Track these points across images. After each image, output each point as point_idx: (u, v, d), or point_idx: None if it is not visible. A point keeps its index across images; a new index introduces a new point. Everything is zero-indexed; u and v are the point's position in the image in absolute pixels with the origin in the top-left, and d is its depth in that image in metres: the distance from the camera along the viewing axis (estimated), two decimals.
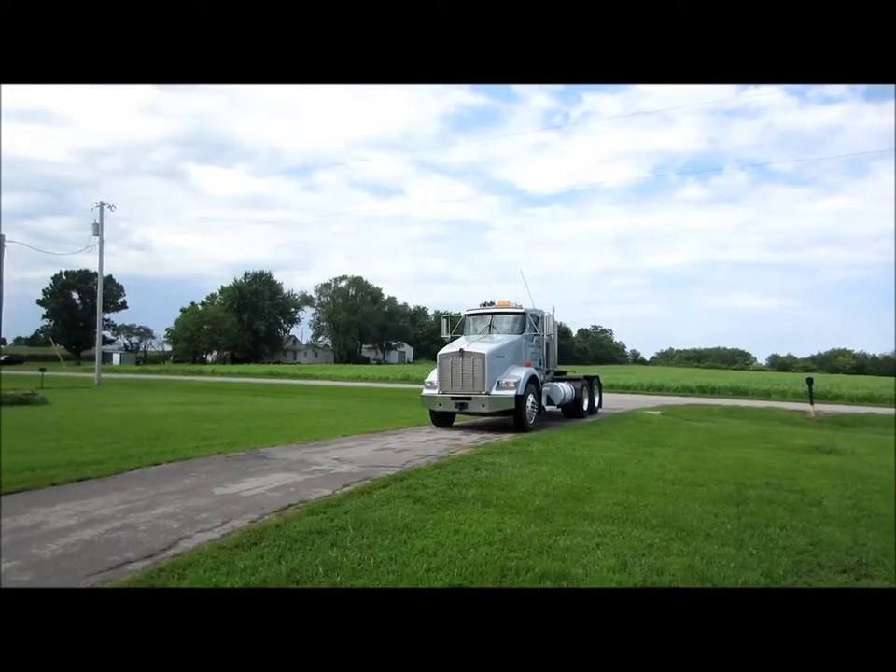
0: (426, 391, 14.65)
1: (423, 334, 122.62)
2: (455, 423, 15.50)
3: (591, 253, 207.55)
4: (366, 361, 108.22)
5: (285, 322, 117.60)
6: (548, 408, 16.09)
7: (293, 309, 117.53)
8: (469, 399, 13.81)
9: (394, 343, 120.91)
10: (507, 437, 12.83)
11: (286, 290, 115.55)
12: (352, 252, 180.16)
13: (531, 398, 14.27)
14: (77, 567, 4.58)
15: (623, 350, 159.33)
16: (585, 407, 18.12)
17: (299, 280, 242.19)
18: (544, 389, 15.72)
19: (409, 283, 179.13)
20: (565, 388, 16.67)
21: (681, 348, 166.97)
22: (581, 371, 23.35)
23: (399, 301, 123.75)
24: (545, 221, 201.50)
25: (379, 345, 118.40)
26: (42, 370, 35.04)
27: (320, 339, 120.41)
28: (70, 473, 7.96)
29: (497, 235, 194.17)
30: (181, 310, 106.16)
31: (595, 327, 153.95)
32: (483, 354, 13.83)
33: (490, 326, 15.93)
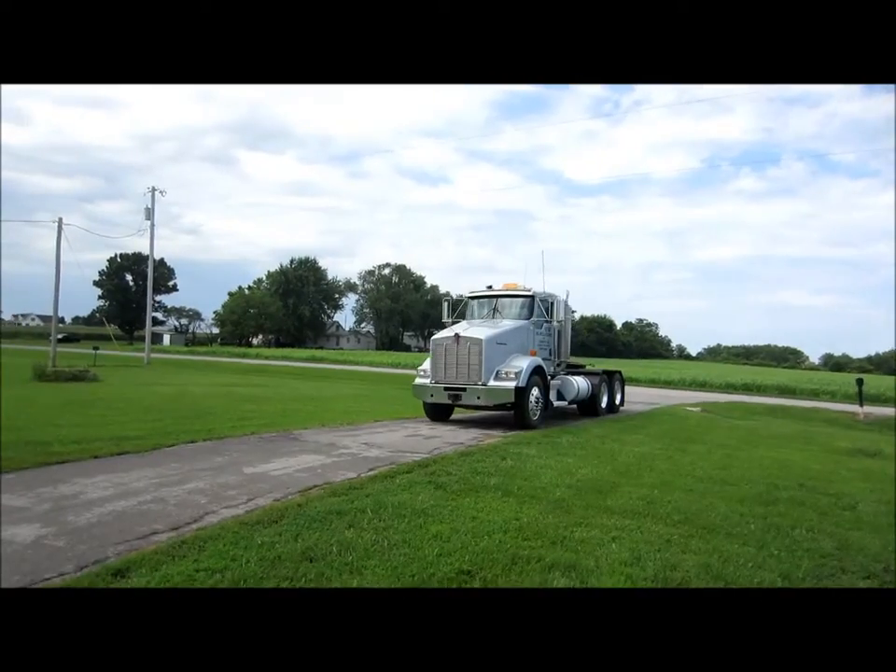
0: (417, 380, 13.33)
1: None
2: (455, 416, 14.23)
3: (638, 245, 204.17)
4: (407, 349, 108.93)
5: (328, 308, 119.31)
6: (557, 404, 14.30)
7: (337, 295, 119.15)
8: (464, 390, 12.39)
9: (435, 332, 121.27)
10: (570, 422, 12.84)
11: (330, 276, 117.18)
12: (396, 240, 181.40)
13: (535, 391, 12.73)
14: (108, 535, 4.82)
15: (669, 345, 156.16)
16: (604, 404, 16.60)
17: (343, 266, 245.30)
18: (553, 383, 14.16)
19: (452, 272, 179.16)
20: (579, 383, 15.11)
21: (730, 345, 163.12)
22: (613, 366, 22.68)
23: (442, 290, 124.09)
24: (592, 212, 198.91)
25: (421, 333, 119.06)
26: (95, 348, 36.53)
27: (363, 325, 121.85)
28: (112, 447, 8.33)
29: (542, 225, 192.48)
30: (229, 293, 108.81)
31: (641, 320, 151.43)
32: (481, 339, 12.34)
33: (494, 310, 14.37)
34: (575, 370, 16.48)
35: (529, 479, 7.38)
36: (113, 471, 7.02)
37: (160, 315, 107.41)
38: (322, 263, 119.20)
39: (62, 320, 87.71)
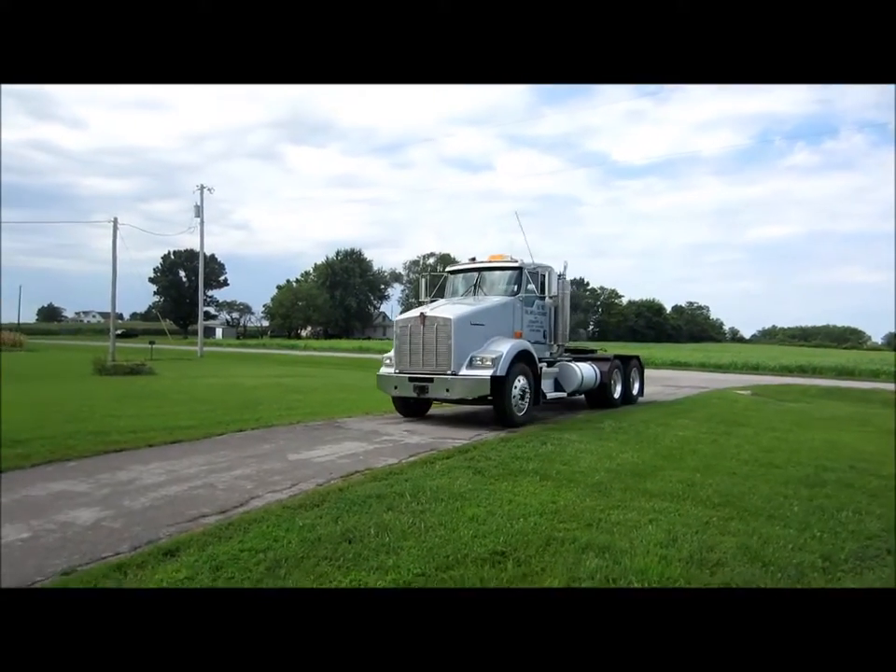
0: (382, 370, 11.44)
1: None
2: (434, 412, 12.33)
3: (687, 226, 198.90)
4: None
5: (375, 298, 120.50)
6: (554, 396, 12.24)
7: (383, 286, 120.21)
8: (431, 380, 10.41)
9: None
10: (581, 414, 12.76)
11: (375, 267, 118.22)
12: (440, 229, 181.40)
13: (520, 381, 10.65)
14: (160, 517, 5.09)
15: (721, 328, 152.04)
16: (617, 395, 14.25)
17: (388, 257, 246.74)
18: (549, 370, 12.14)
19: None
20: (584, 370, 12.86)
21: (785, 326, 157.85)
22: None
23: None
24: (639, 194, 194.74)
25: None
26: (151, 342, 37.96)
27: None
28: (166, 436, 8.72)
29: (588, 210, 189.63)
30: (277, 287, 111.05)
31: (691, 303, 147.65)
32: (449, 319, 10.33)
33: (476, 286, 12.24)
34: (583, 355, 14.64)
35: (568, 463, 7.40)
36: (166, 459, 7.36)
37: (212, 310, 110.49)
38: (367, 254, 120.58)
39: (120, 316, 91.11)
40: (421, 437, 9.35)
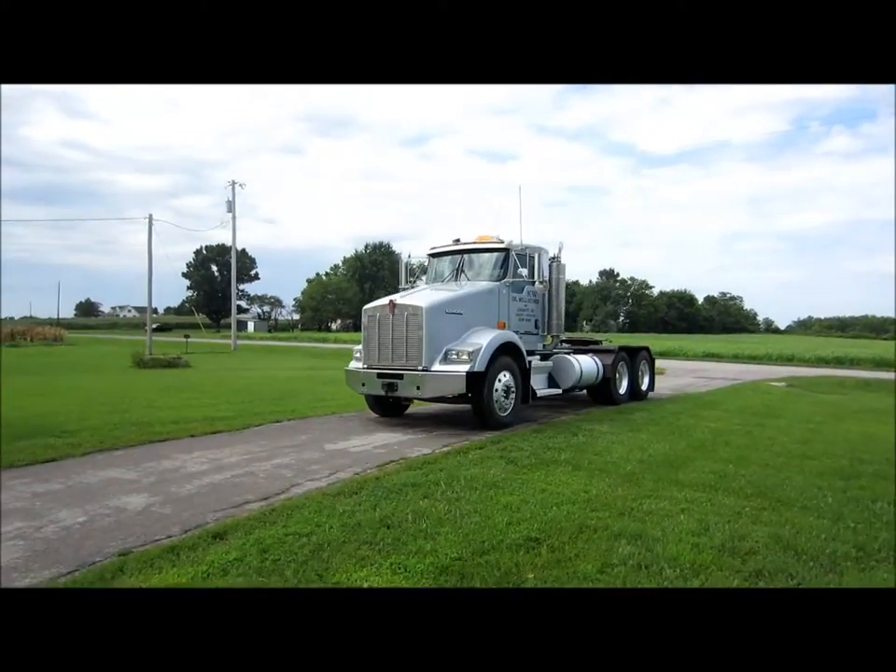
0: (351, 364, 10.27)
1: None
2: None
3: (720, 215, 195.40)
4: None
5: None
6: (546, 392, 11.03)
7: (412, 278, 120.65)
8: (401, 377, 9.23)
9: None
10: (611, 406, 12.76)
11: (404, 260, 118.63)
12: (468, 220, 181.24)
13: (504, 377, 9.53)
14: (207, 503, 5.32)
15: (755, 318, 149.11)
16: (622, 390, 13.17)
17: (416, 250, 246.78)
18: (541, 364, 11.07)
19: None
20: (583, 364, 11.78)
21: (822, 316, 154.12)
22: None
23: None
24: (669, 183, 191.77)
25: None
26: (186, 336, 38.79)
27: None
28: (206, 427, 9.03)
29: (617, 199, 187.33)
30: (307, 280, 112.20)
31: (724, 294, 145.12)
32: (420, 307, 9.20)
33: (459, 270, 11.05)
34: (584, 346, 13.47)
35: (600, 454, 7.47)
36: (208, 448, 7.64)
37: (243, 304, 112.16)
38: (396, 247, 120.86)
39: (155, 311, 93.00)
40: (453, 427, 9.50)
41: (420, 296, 9.80)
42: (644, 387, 14.21)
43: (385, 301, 9.79)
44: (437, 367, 9.13)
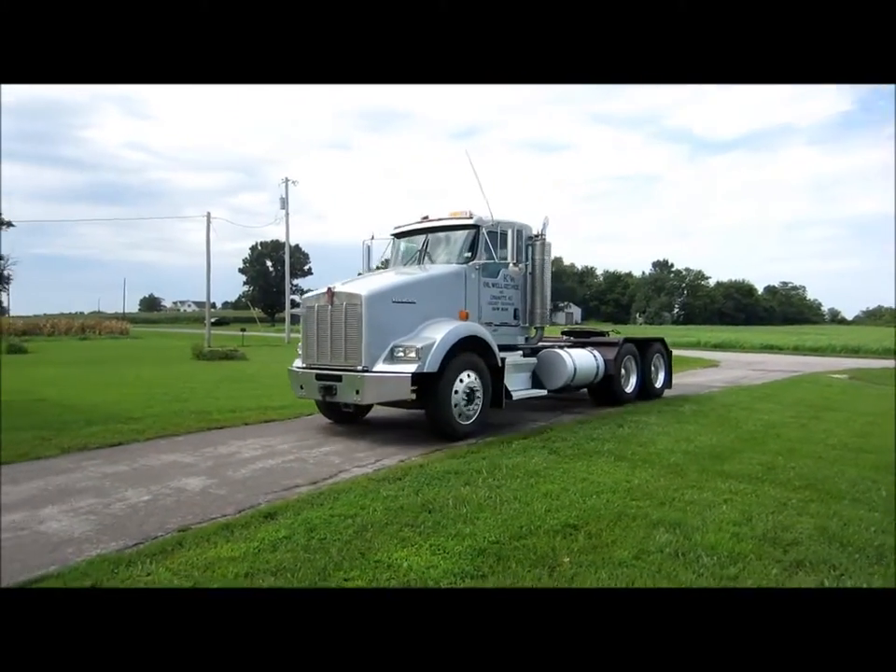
0: (294, 363, 8.79)
1: (591, 294, 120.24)
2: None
3: (781, 202, 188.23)
4: None
5: None
6: (521, 395, 9.28)
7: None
8: (339, 378, 7.74)
9: (561, 304, 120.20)
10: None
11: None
12: (518, 212, 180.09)
13: (467, 378, 8.00)
14: (259, 486, 5.60)
15: (819, 309, 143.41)
16: (630, 388, 11.57)
17: None
18: (519, 361, 9.42)
19: (576, 242, 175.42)
20: (578, 360, 10.19)
21: (893, 306, 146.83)
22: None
23: (566, 262, 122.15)
24: (726, 169, 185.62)
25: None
26: (242, 329, 40.08)
27: None
28: (259, 415, 9.42)
29: (671, 188, 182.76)
30: (358, 274, 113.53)
31: (785, 283, 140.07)
32: (359, 296, 7.71)
33: (424, 252, 9.58)
34: (585, 337, 12.21)
35: (644, 445, 7.45)
36: (261, 436, 7.98)
37: (297, 298, 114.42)
38: None
39: (213, 305, 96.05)
40: (501, 416, 9.59)
41: (361, 283, 8.28)
42: (658, 384, 12.54)
43: (324, 289, 8.31)
44: (380, 366, 7.62)
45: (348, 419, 9.09)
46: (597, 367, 10.67)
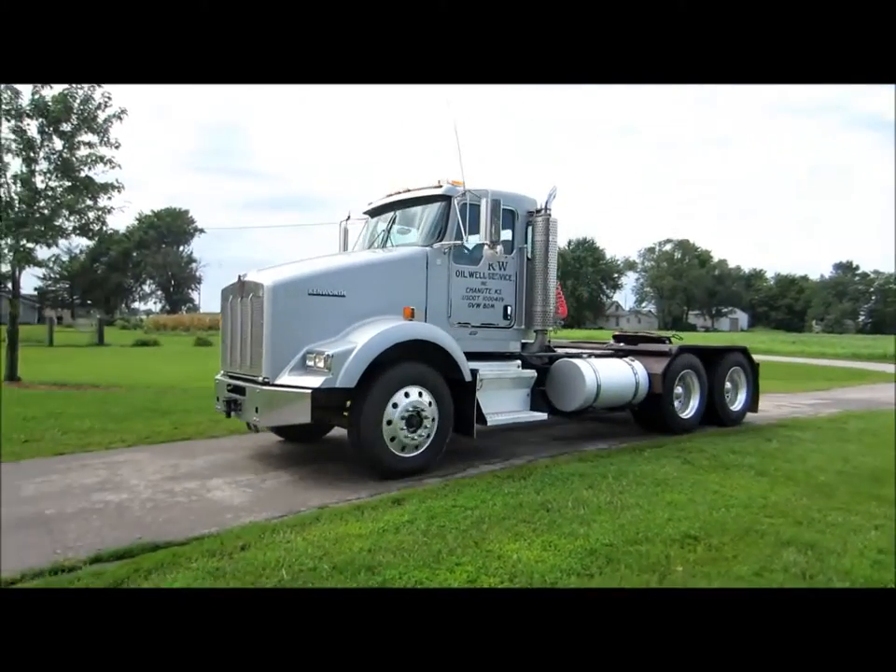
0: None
1: (760, 299, 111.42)
2: None
3: None
4: (693, 328, 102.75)
5: (607, 288, 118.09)
6: (500, 420, 7.01)
7: (616, 275, 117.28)
8: (244, 392, 6.23)
9: (724, 310, 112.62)
10: (835, 409, 11.54)
11: (608, 256, 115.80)
12: (677, 214, 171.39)
13: (406, 398, 6.07)
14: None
15: None
16: (689, 412, 8.98)
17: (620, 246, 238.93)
18: (509, 374, 7.33)
19: (744, 245, 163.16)
20: (605, 373, 7.97)
21: None
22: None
23: (732, 264, 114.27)
24: None
25: (707, 311, 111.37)
26: None
27: (643, 305, 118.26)
28: None
29: (859, 181, 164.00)
30: None
31: None
32: (263, 287, 6.06)
33: (388, 232, 7.69)
34: (635, 344, 9.83)
35: (792, 461, 6.97)
36: None
37: None
38: (599, 243, 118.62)
39: None
40: (635, 424, 9.39)
41: (274, 271, 6.51)
42: (737, 406, 9.76)
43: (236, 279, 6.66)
44: (284, 378, 5.88)
45: (305, 436, 7.49)
46: (636, 383, 8.32)
